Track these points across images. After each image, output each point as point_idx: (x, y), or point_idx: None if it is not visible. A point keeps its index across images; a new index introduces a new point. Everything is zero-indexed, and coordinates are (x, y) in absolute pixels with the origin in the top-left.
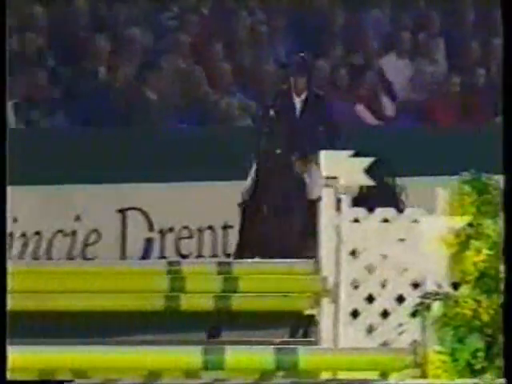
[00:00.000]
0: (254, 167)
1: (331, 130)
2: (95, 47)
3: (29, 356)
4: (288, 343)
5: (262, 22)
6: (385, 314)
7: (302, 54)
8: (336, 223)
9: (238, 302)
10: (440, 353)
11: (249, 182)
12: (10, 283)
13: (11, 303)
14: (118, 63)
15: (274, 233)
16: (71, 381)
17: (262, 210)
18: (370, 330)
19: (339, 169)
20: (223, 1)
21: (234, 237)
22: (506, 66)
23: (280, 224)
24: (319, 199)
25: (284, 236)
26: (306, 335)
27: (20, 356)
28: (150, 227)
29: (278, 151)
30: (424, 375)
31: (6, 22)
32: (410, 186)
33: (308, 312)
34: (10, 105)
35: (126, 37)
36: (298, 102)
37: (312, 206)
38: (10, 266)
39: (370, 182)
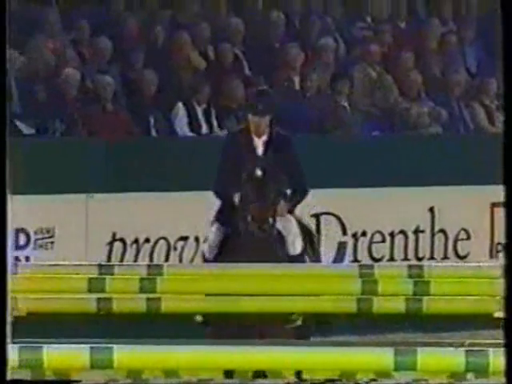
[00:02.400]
0: (216, 227)
1: (297, 174)
2: (289, 57)
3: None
4: (478, 345)
5: (452, 31)
6: None
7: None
8: None
9: (428, 305)
10: None
11: (212, 241)
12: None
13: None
14: (311, 72)
15: None
16: (79, 381)
17: None
18: None
19: None
20: (416, 11)
21: (425, 241)
22: (506, 66)
23: None
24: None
25: None
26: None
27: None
28: (344, 231)
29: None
30: None
31: (6, 22)
32: None
33: (497, 315)
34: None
35: (318, 46)
36: (259, 144)
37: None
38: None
39: None
